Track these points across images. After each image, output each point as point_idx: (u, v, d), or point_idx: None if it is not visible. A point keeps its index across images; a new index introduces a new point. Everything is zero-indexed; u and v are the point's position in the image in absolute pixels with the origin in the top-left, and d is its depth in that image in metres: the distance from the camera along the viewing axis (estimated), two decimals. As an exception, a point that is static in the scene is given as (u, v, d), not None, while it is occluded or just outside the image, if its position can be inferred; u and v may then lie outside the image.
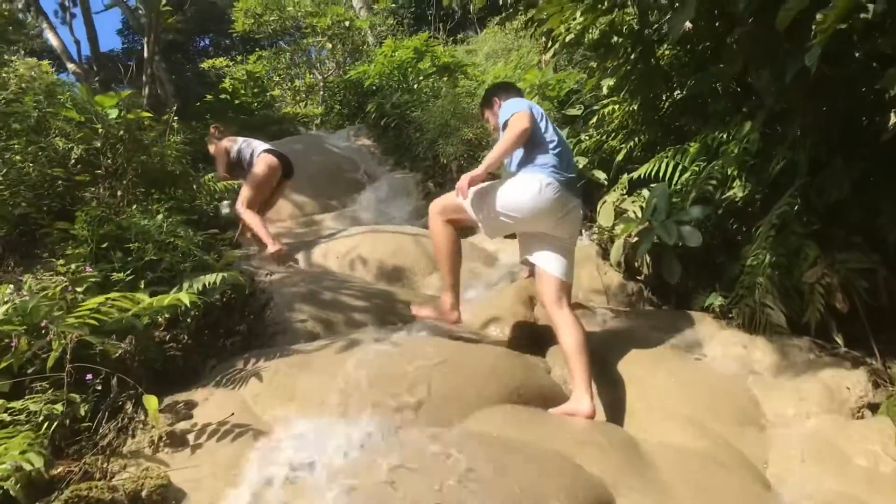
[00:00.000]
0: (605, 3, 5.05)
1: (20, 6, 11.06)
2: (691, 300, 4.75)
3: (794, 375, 3.64)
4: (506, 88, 4.34)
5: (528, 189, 3.59)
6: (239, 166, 6.18)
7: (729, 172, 4.65)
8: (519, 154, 3.75)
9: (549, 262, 3.66)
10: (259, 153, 6.16)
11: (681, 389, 3.48)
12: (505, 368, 3.42)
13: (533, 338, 4.12)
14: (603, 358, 3.84)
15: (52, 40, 10.55)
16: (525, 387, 3.35)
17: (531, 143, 3.68)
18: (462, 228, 3.93)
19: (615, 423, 3.37)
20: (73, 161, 4.75)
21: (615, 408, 3.49)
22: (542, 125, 3.77)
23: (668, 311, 4.63)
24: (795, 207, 4.10)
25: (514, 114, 3.61)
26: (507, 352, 3.72)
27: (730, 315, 4.33)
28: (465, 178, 3.55)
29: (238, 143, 6.31)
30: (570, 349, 3.40)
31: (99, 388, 3.09)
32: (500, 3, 9.24)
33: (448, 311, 3.79)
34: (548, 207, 3.58)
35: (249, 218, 5.75)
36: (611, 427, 3.26)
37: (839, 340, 3.91)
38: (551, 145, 3.70)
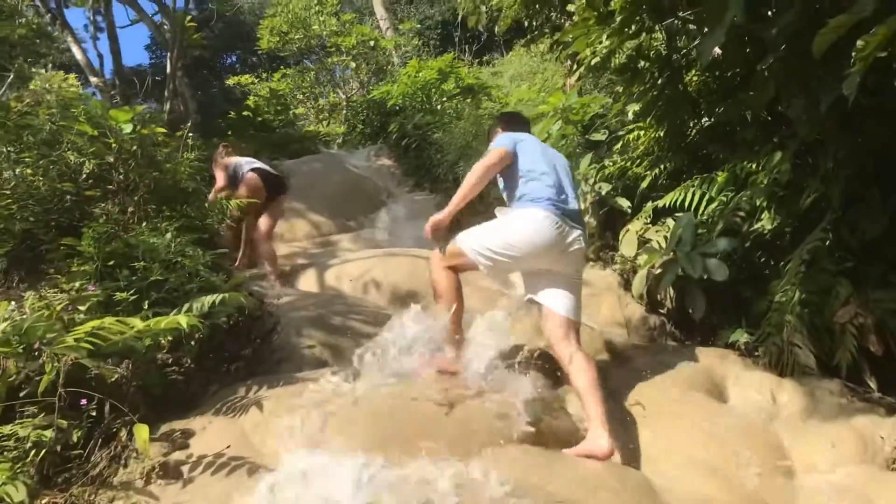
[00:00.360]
0: (633, 27, 4.94)
1: (47, 19, 11.12)
2: (716, 336, 4.58)
3: (823, 421, 3.44)
4: (510, 119, 4.31)
5: (524, 225, 3.47)
6: (234, 184, 6.20)
7: (757, 204, 4.49)
8: (512, 189, 3.67)
9: (553, 301, 3.51)
10: (245, 172, 6.25)
11: (703, 432, 3.29)
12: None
13: (548, 372, 3.94)
14: (621, 395, 3.67)
15: (77, 54, 10.59)
16: (538, 425, 3.18)
17: (517, 177, 3.64)
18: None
19: (631, 466, 3.19)
20: (84, 176, 4.66)
21: (632, 450, 3.30)
22: (530, 158, 3.69)
23: (692, 348, 4.43)
24: (827, 242, 3.93)
25: (490, 150, 3.64)
26: (521, 386, 3.54)
27: (756, 353, 4.16)
28: (430, 223, 3.62)
29: (234, 161, 6.38)
30: (582, 387, 3.23)
31: (93, 413, 2.97)
32: (526, 25, 9.21)
33: (449, 363, 3.60)
34: (546, 242, 3.44)
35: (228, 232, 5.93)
36: (626, 470, 3.07)
37: (872, 385, 3.73)
38: (544, 178, 3.59)
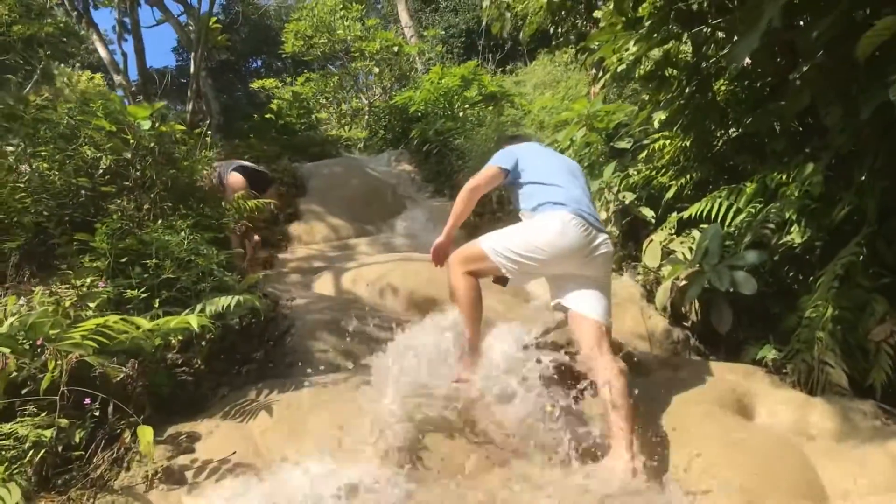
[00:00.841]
0: (661, 34, 4.82)
1: (74, 18, 11.15)
2: (741, 352, 4.43)
3: (856, 444, 3.26)
4: (515, 139, 4.28)
5: (551, 227, 3.32)
6: (221, 187, 6.17)
7: (787, 216, 4.34)
8: (530, 197, 3.55)
9: (583, 304, 3.35)
10: (227, 174, 6.27)
11: (730, 453, 3.12)
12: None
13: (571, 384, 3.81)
14: (643, 411, 3.52)
15: (101, 52, 10.60)
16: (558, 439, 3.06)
17: (533, 185, 3.56)
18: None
19: (654, 488, 3.04)
20: (100, 171, 4.60)
21: (655, 470, 3.15)
22: (543, 165, 3.66)
23: (716, 363, 4.26)
24: (861, 257, 3.77)
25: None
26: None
27: (784, 371, 4.00)
28: (433, 249, 3.68)
29: (220, 166, 6.44)
30: (610, 400, 3.09)
31: (97, 413, 2.88)
32: (552, 32, 9.11)
33: (464, 371, 3.47)
34: (573, 245, 3.30)
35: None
36: (650, 492, 2.94)
37: (909, 407, 3.55)
38: (562, 183, 3.52)
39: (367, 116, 15.00)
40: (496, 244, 3.40)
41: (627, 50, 5.24)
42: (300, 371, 3.78)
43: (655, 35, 4.84)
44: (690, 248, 4.89)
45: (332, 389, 3.35)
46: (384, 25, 18.19)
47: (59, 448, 2.71)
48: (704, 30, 4.86)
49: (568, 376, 3.55)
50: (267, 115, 13.06)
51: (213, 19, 11.26)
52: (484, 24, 12.76)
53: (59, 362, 2.77)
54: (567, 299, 3.41)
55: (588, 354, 3.28)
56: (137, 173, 4.70)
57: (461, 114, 11.19)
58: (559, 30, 9.09)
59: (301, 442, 2.89)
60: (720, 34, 5.00)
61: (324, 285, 5.69)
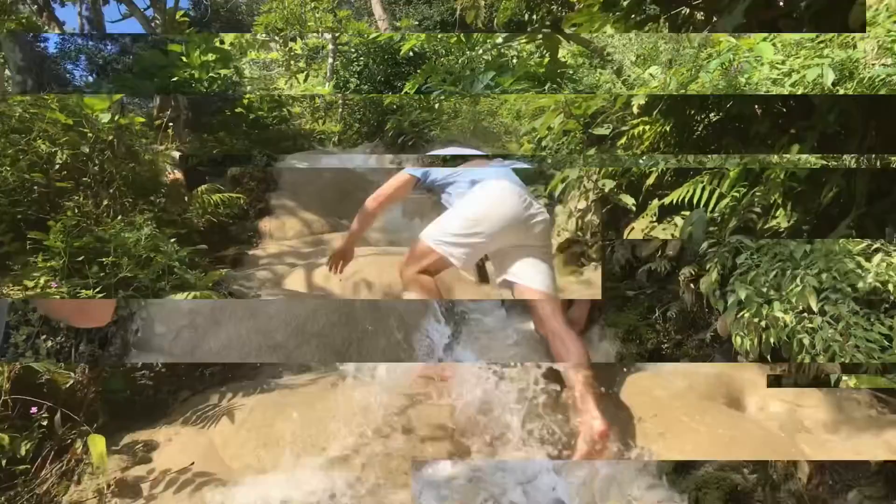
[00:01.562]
0: (638, 15, 4.68)
1: (34, 10, 10.81)
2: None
3: (852, 435, 3.14)
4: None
5: (486, 197, 3.18)
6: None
7: (773, 200, 4.20)
8: (461, 183, 3.39)
9: (529, 277, 3.19)
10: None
11: (723, 448, 2.97)
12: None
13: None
14: (630, 404, 3.37)
15: (64, 47, 10.34)
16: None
17: (461, 174, 3.45)
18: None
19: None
20: (56, 167, 4.38)
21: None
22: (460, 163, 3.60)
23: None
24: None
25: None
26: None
27: (774, 360, 3.86)
28: (332, 256, 3.96)
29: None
30: (571, 371, 2.93)
31: (44, 423, 2.68)
32: (526, 18, 8.96)
33: (446, 369, 3.29)
34: (510, 212, 3.13)
35: None
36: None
37: (903, 395, 3.42)
38: (486, 165, 3.51)
39: (340, 110, 14.77)
40: (436, 234, 3.19)
41: (605, 33, 5.10)
42: (267, 373, 3.59)
43: (633, 17, 4.70)
44: (673, 235, 4.74)
45: (300, 392, 3.16)
46: (357, 17, 17.95)
47: (3, 462, 2.51)
48: (683, 10, 4.73)
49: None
50: (238, 110, 12.79)
51: (181, 13, 10.98)
52: (457, 13, 12.56)
53: (1, 368, 2.57)
54: (511, 273, 3.23)
55: (542, 326, 3.17)
56: (96, 168, 4.49)
57: (437, 105, 11.02)
58: (534, 16, 8.94)
59: (266, 449, 2.70)
60: (699, 15, 4.86)
61: (295, 282, 5.49)
